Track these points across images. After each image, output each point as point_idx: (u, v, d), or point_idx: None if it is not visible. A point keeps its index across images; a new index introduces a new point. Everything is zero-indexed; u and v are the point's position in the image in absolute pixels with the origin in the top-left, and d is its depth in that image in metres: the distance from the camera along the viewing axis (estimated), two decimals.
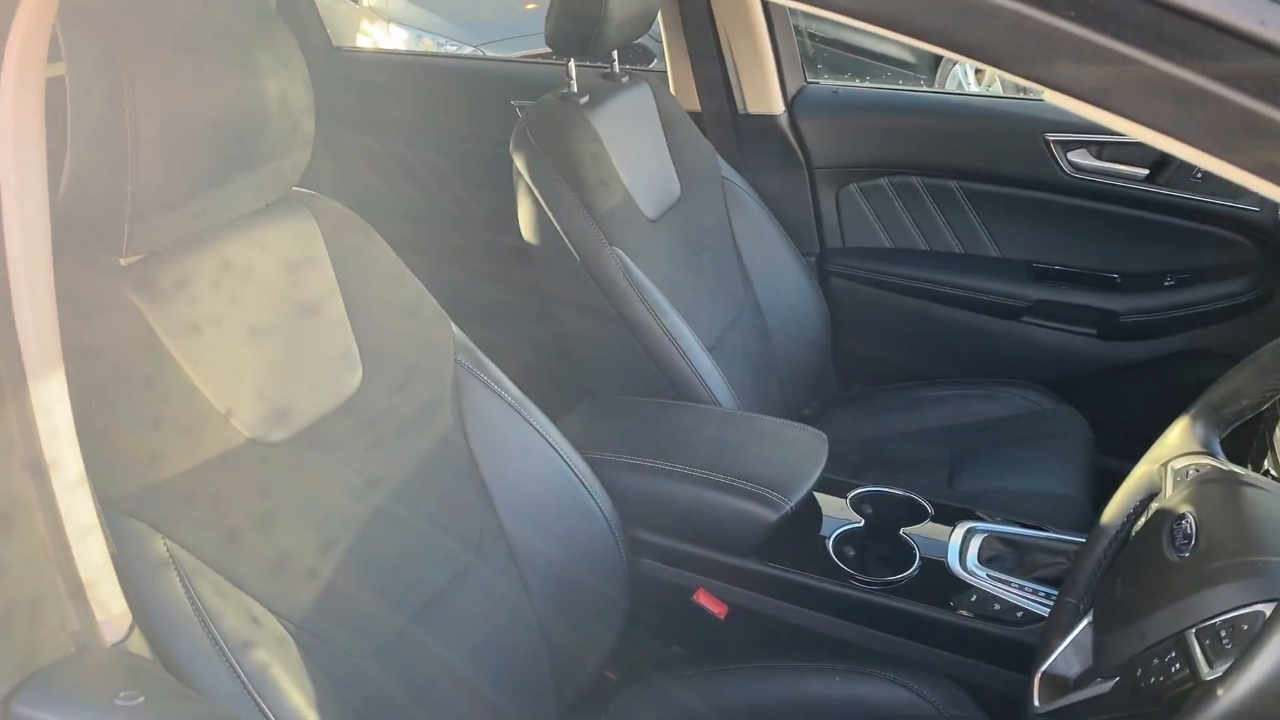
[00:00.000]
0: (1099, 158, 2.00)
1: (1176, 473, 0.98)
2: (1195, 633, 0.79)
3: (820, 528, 1.47)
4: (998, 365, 2.10)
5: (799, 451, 1.49)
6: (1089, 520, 1.67)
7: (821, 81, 2.26)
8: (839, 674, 1.33)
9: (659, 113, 1.87)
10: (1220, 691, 0.69)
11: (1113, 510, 1.06)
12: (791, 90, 2.17)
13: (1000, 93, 3.47)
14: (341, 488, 1.12)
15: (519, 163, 1.66)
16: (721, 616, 1.43)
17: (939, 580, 1.37)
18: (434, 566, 1.21)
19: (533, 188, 1.64)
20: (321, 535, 1.08)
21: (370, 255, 1.24)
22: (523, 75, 2.48)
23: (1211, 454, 0.99)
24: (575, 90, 1.73)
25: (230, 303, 1.05)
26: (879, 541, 1.44)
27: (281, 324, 1.09)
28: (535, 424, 1.33)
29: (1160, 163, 1.95)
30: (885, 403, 2.08)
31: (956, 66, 6.09)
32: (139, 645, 0.88)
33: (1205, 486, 0.91)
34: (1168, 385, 2.06)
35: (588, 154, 1.66)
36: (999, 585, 1.35)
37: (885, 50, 6.40)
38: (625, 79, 1.85)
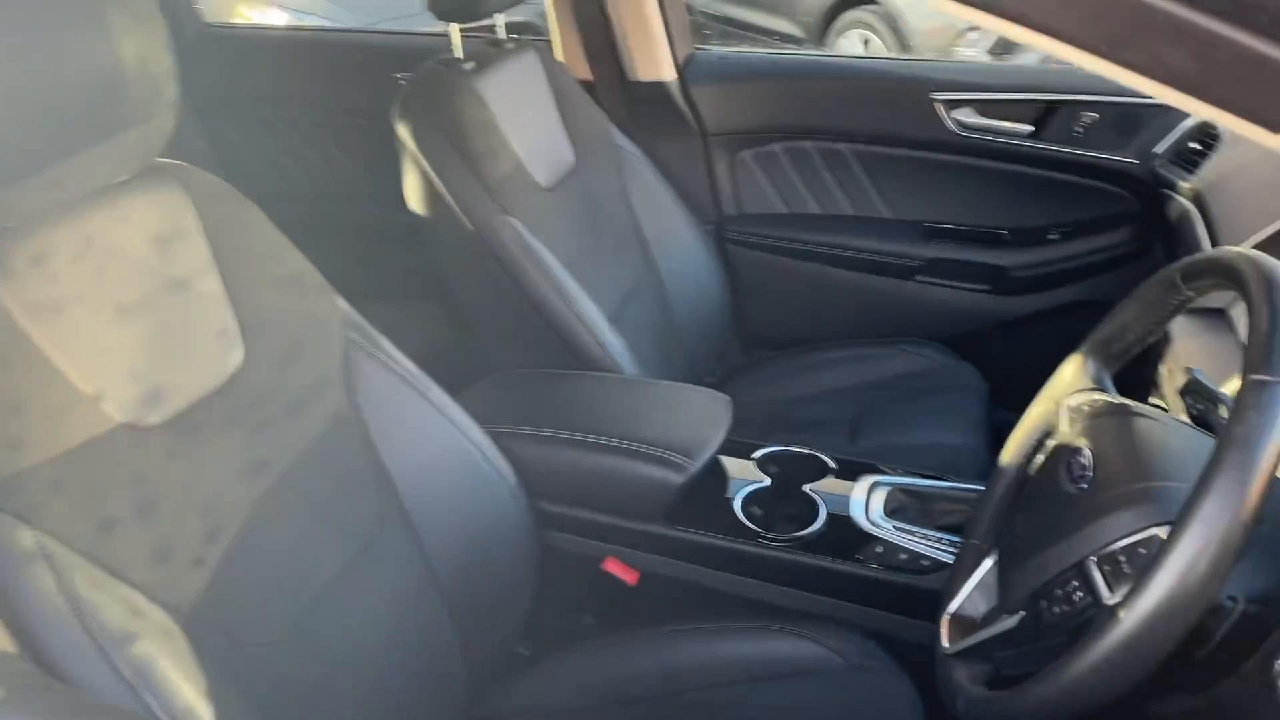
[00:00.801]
0: (984, 115, 2.04)
1: (1071, 410, 0.99)
2: (1095, 561, 0.80)
3: (727, 489, 1.46)
4: (894, 324, 2.12)
5: (702, 415, 1.48)
6: (988, 470, 1.71)
7: (709, 47, 2.24)
8: (750, 632, 1.33)
9: (548, 80, 1.83)
10: (1121, 614, 0.70)
11: (1010, 451, 1.08)
12: (681, 57, 2.15)
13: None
14: (227, 472, 1.07)
15: (403, 133, 1.60)
16: (632, 583, 1.41)
17: (846, 534, 1.38)
18: (331, 550, 1.16)
19: (420, 158, 1.59)
20: (207, 521, 1.03)
21: (246, 227, 1.18)
22: (404, 47, 2.41)
23: (1103, 389, 1.01)
24: (460, 56, 1.69)
25: (94, 280, 0.99)
26: (785, 500, 1.44)
27: (152, 301, 1.03)
28: (433, 399, 1.29)
29: (1043, 119, 1.99)
30: (786, 366, 2.09)
31: (842, 39, 6.18)
32: (1, 641, 0.82)
33: (1099, 420, 0.92)
34: (1056, 336, 2.10)
35: (476, 121, 1.62)
36: (904, 536, 1.36)
37: (771, 25, 6.45)
38: (511, 45, 1.81)
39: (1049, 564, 0.84)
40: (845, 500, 1.43)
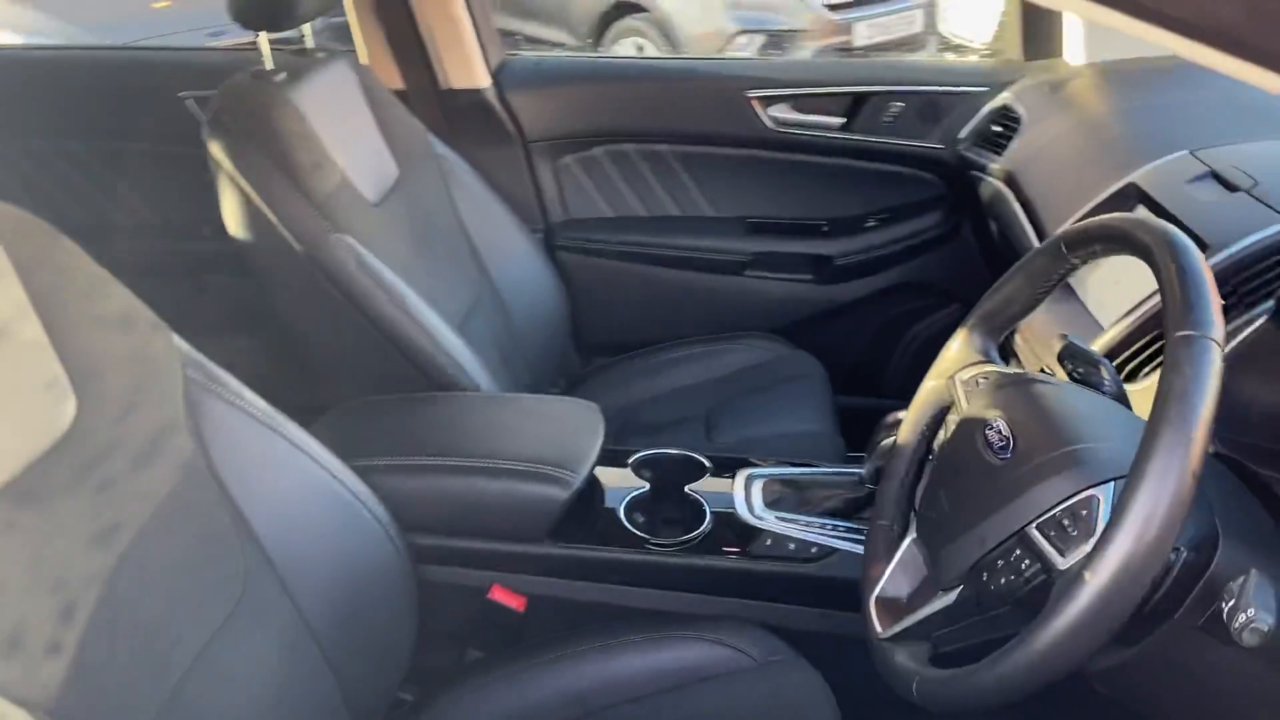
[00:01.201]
0: (799, 110, 2.09)
1: (965, 384, 1.02)
2: (1036, 528, 0.81)
3: (605, 499, 1.42)
4: (730, 319, 2.14)
5: (575, 425, 1.43)
6: (842, 453, 1.75)
7: (522, 53, 2.20)
8: (650, 643, 1.29)
9: (363, 91, 1.73)
10: (1087, 575, 0.72)
11: (907, 430, 1.09)
12: (494, 63, 2.09)
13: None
14: (74, 540, 0.93)
15: (218, 152, 1.47)
16: (520, 610, 1.35)
17: (732, 531, 1.36)
18: (199, 615, 1.04)
19: (238, 178, 1.46)
20: (59, 600, 0.89)
21: (62, 264, 1.03)
22: (190, 64, 2.23)
23: (992, 362, 1.03)
24: (271, 67, 1.56)
25: None
26: (667, 503, 1.42)
27: None
28: (289, 436, 1.18)
29: (854, 110, 2.06)
30: (630, 370, 2.07)
31: (616, 47, 6.25)
32: None
33: (1003, 391, 0.94)
34: (882, 320, 2.20)
35: (296, 135, 1.50)
36: (789, 525, 1.36)
37: (544, 35, 6.46)
38: (321, 55, 1.70)
39: (986, 537, 0.85)
40: (726, 497, 1.42)
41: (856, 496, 1.38)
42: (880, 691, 1.32)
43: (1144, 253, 0.84)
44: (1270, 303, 1.03)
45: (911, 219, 2.11)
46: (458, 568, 1.34)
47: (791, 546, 1.33)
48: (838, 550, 1.33)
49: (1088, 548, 0.76)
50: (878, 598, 0.99)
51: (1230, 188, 1.20)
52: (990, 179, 1.84)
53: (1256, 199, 1.16)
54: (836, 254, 2.12)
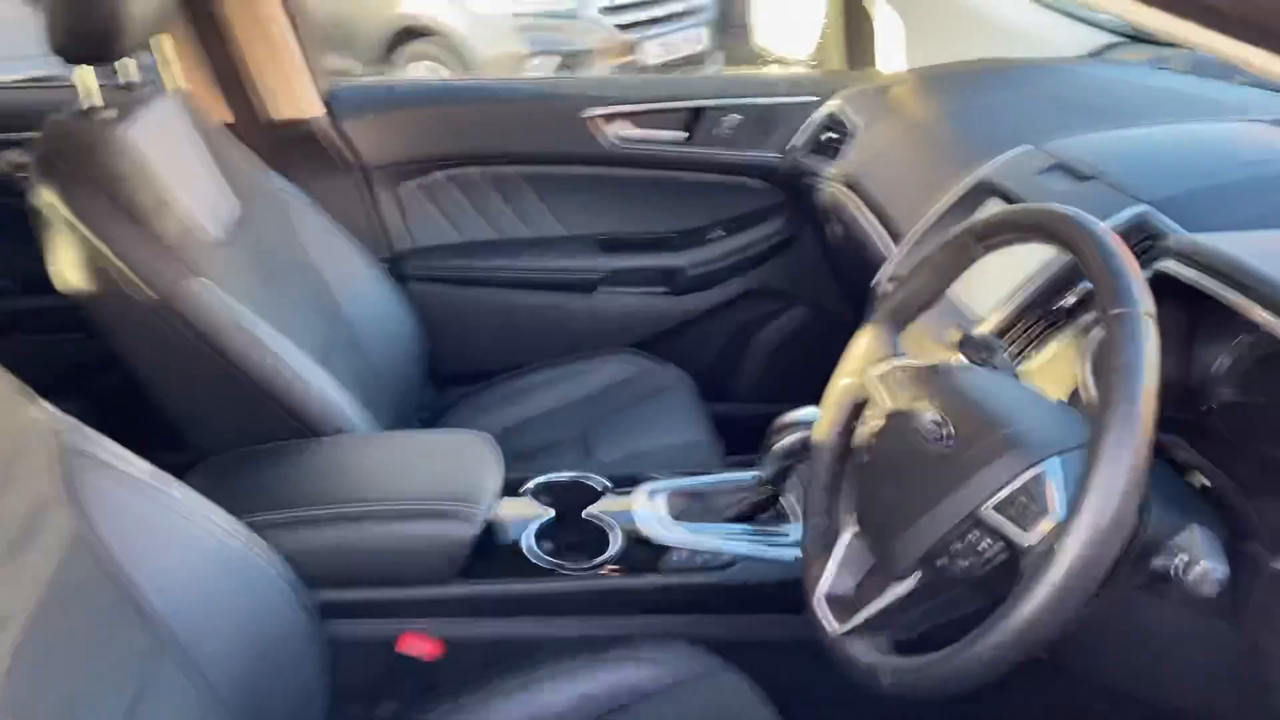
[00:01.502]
0: (639, 126, 2.11)
1: (883, 378, 1.05)
2: (992, 508, 0.85)
3: (509, 531, 1.38)
4: (588, 338, 2.14)
5: (471, 457, 1.39)
6: (723, 458, 1.78)
7: (351, 78, 2.12)
8: (572, 672, 1.26)
9: (194, 125, 1.62)
10: (1057, 548, 0.75)
11: (825, 428, 1.12)
12: (323, 90, 2.01)
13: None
14: None
15: (49, 199, 1.34)
16: (434, 656, 1.29)
17: (643, 548, 1.36)
18: (103, 706, 0.94)
19: (76, 225, 1.33)
20: None
21: None
22: None
23: (899, 355, 1.07)
24: (98, 104, 1.44)
25: None
26: (572, 528, 1.40)
27: None
28: (177, 499, 1.09)
29: (693, 124, 2.10)
30: (492, 399, 2.03)
31: (408, 72, 6.14)
32: None
33: (928, 382, 0.98)
34: (734, 326, 2.25)
35: (135, 175, 1.39)
36: (699, 536, 1.37)
37: (326, 63, 6.25)
38: (147, 89, 1.58)
39: (938, 523, 0.88)
40: (630, 515, 1.41)
41: (760, 499, 1.40)
42: (813, 691, 1.35)
43: (1060, 239, 0.90)
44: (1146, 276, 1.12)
45: (755, 227, 2.18)
46: (367, 619, 1.28)
47: (704, 557, 1.34)
48: (752, 555, 1.34)
49: (1049, 522, 0.80)
50: (825, 595, 1.01)
51: (1081, 177, 1.30)
52: (829, 184, 1.92)
53: (1109, 185, 1.26)
54: (688, 265, 2.16)
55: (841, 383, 1.11)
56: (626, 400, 1.94)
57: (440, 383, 2.18)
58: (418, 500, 1.27)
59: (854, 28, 2.10)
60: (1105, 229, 0.86)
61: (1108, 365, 0.78)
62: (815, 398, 2.26)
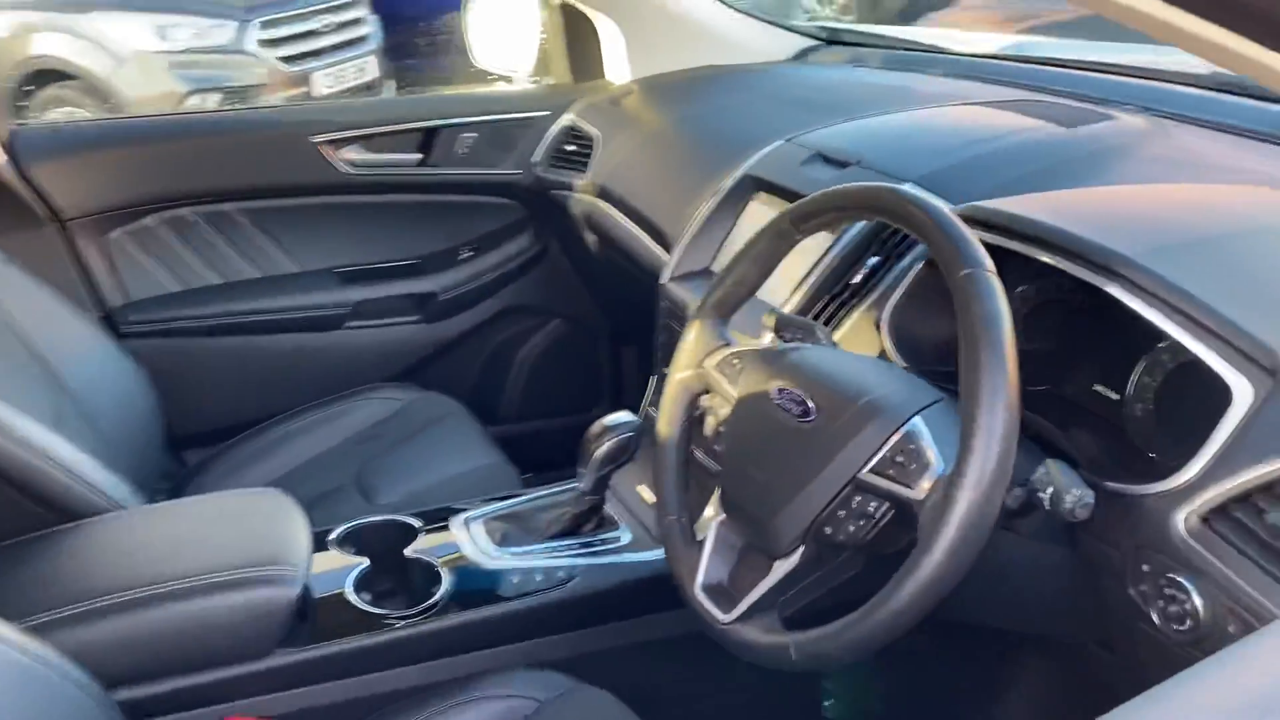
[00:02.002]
0: (372, 151, 2.02)
1: (720, 367, 1.07)
2: (870, 472, 0.88)
3: (326, 588, 1.27)
4: (342, 376, 2.02)
5: (269, 515, 1.26)
6: (519, 478, 1.74)
7: (32, 120, 1.88)
8: None
9: None
10: (956, 493, 0.80)
11: (665, 424, 1.12)
12: (4, 134, 1.77)
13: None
14: None
15: None
16: None
17: (476, 580, 1.30)
18: None
19: None
20: None
21: None
22: None
23: (730, 344, 1.10)
24: None
25: None
26: (393, 573, 1.31)
27: None
28: None
29: (428, 145, 2.04)
30: (245, 455, 1.86)
31: (49, 116, 5.53)
32: None
33: (773, 364, 1.01)
34: (493, 347, 2.21)
35: None
36: (529, 558, 1.33)
37: None
38: None
39: (818, 495, 0.90)
40: (452, 548, 1.34)
41: (581, 510, 1.39)
42: (676, 690, 1.35)
43: (888, 213, 0.95)
44: (920, 248, 1.22)
45: (503, 245, 2.15)
46: (182, 713, 1.13)
47: (540, 578, 1.30)
48: (587, 566, 1.32)
49: (931, 475, 0.85)
50: (702, 588, 1.01)
51: (842, 164, 1.39)
52: (580, 195, 1.93)
53: (870, 169, 1.35)
54: (439, 290, 2.10)
55: (677, 378, 1.12)
56: (399, 435, 1.85)
57: (179, 446, 1.97)
58: (225, 570, 1.13)
59: (576, 42, 2.13)
60: (930, 198, 0.92)
61: (968, 321, 0.83)
62: (584, 406, 2.29)
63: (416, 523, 1.39)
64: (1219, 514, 0.86)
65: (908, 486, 0.86)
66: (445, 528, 1.39)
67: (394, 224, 2.07)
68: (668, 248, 1.61)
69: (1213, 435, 0.88)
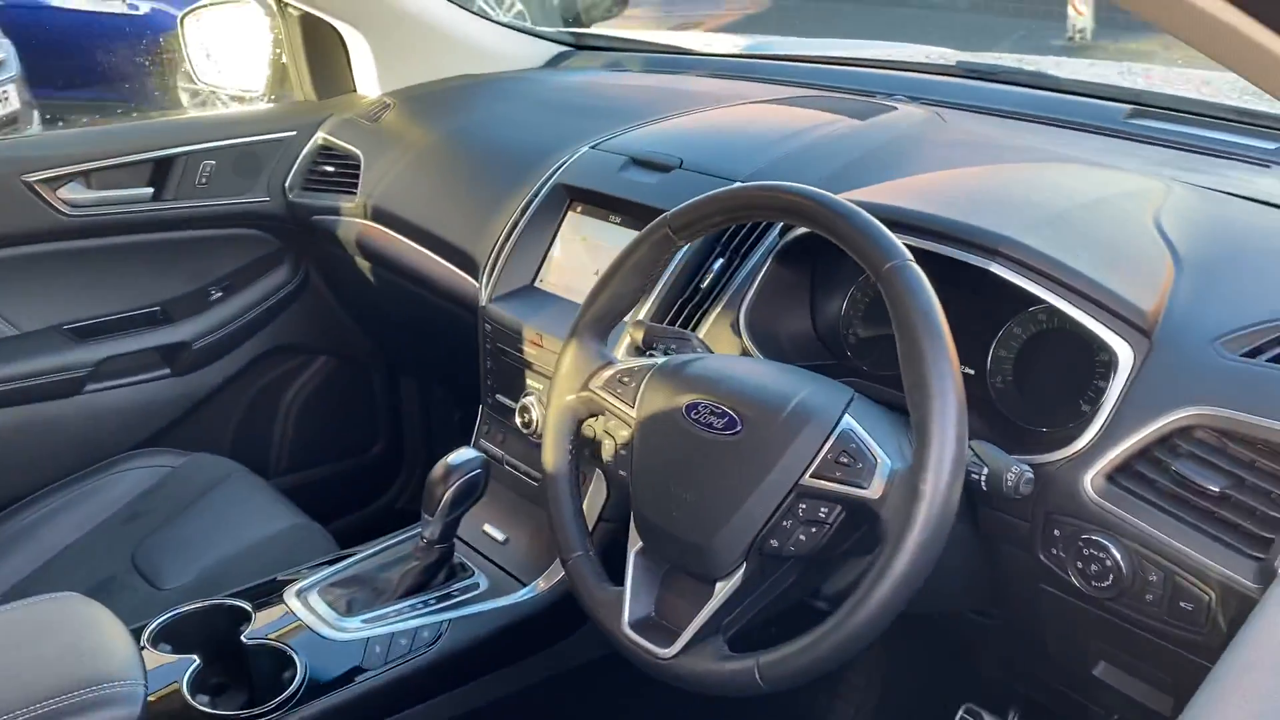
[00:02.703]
0: (93, 187, 1.77)
1: (608, 386, 1.00)
2: (813, 477, 0.85)
3: (150, 689, 1.08)
4: (88, 448, 1.75)
5: (78, 623, 1.05)
6: (339, 532, 1.58)
7: None
8: None
9: None
10: (922, 485, 0.78)
11: (553, 455, 1.04)
12: None
13: None
14: None
15: None
16: None
17: (333, 658, 1.15)
18: None
19: None
20: None
21: None
22: None
23: (613, 361, 1.04)
24: None
25: None
26: (230, 664, 1.14)
27: None
28: None
29: (161, 178, 1.81)
30: None
31: None
32: None
33: (677, 377, 0.96)
34: (257, 394, 1.99)
35: None
36: (386, 623, 1.20)
37: None
38: None
39: (759, 508, 0.86)
40: (292, 622, 1.19)
41: (430, 562, 1.27)
42: None
43: (792, 214, 0.93)
44: (765, 246, 1.21)
45: (257, 281, 1.95)
46: None
47: (405, 642, 1.18)
48: (453, 620, 1.21)
49: (883, 472, 0.83)
50: (631, 625, 0.94)
51: (664, 167, 1.36)
52: (349, 219, 1.78)
53: (695, 170, 1.33)
54: (190, 338, 1.86)
55: (562, 404, 1.04)
56: (173, 506, 1.63)
57: None
58: (55, 697, 0.93)
59: (319, 55, 1.96)
60: (832, 196, 0.91)
61: (902, 313, 0.83)
62: (363, 447, 2.12)
63: (243, 604, 1.22)
64: (1123, 472, 0.91)
65: (860, 486, 0.84)
66: (277, 603, 1.23)
67: (129, 269, 1.82)
68: (469, 267, 1.52)
69: (1103, 398, 0.93)
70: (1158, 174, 1.22)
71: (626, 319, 1.21)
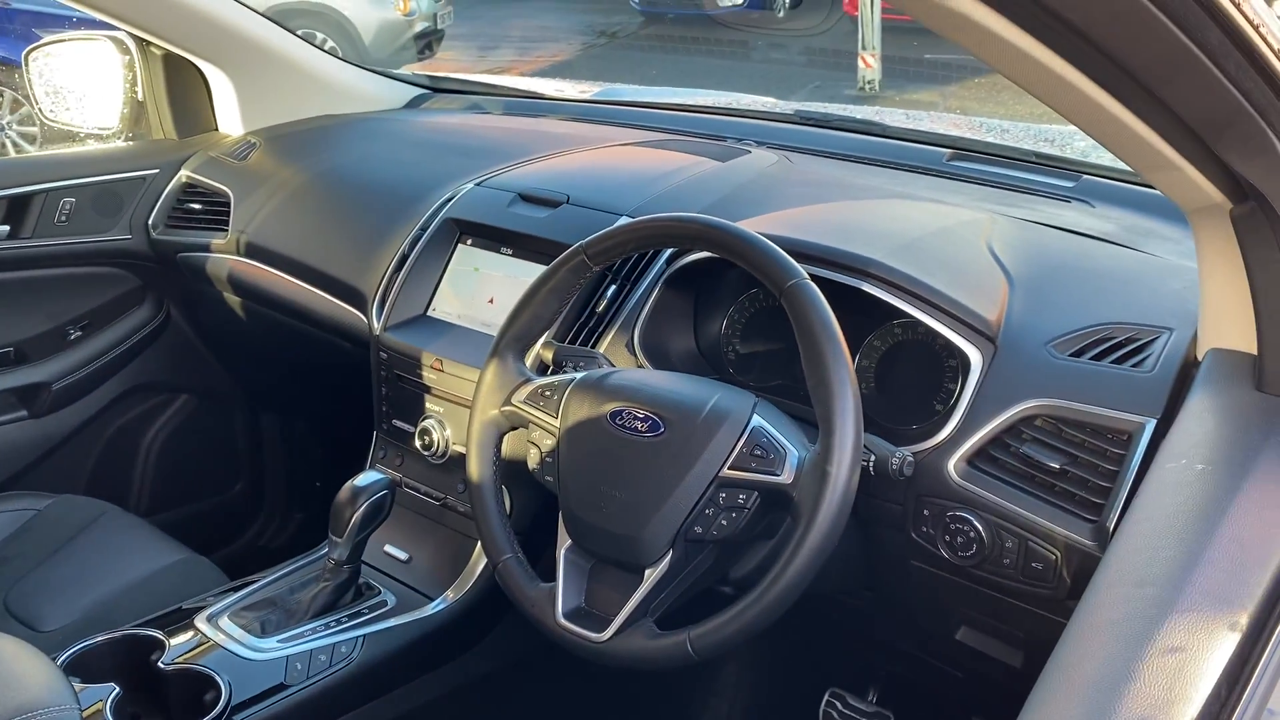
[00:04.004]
0: None
1: (531, 400, 1.09)
2: (731, 469, 0.97)
3: None
4: None
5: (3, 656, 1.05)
6: (226, 561, 1.58)
7: None
8: None
9: None
10: (830, 468, 0.91)
11: (478, 466, 1.11)
12: None
13: None
14: None
15: None
16: None
17: (255, 677, 1.18)
18: None
19: None
20: None
21: None
22: None
23: (532, 379, 1.13)
24: None
25: None
26: (148, 695, 1.15)
27: None
28: None
29: (18, 215, 1.77)
30: None
31: None
32: None
33: (599, 389, 1.06)
34: (115, 435, 1.95)
35: None
36: (302, 641, 1.24)
37: None
38: None
39: (684, 499, 0.97)
40: (207, 644, 1.21)
41: (340, 581, 1.31)
42: None
43: (701, 242, 1.05)
44: (653, 273, 1.33)
45: (118, 320, 1.92)
46: None
47: (324, 658, 1.22)
48: (368, 636, 1.26)
49: (792, 461, 0.96)
50: (565, 615, 1.03)
51: (552, 203, 1.46)
52: (220, 255, 1.80)
53: (583, 205, 1.44)
54: (48, 379, 1.82)
55: (485, 419, 1.12)
56: (44, 549, 1.59)
57: None
58: None
59: (180, 94, 1.95)
60: (730, 224, 1.04)
61: (806, 324, 0.96)
62: (225, 485, 2.11)
63: (153, 632, 1.23)
64: (979, 456, 1.07)
65: (774, 474, 0.96)
66: (189, 629, 1.24)
67: None
68: (355, 300, 1.57)
69: (960, 396, 1.09)
70: (981, 208, 1.42)
71: (545, 339, 1.31)
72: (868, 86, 7.83)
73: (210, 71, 1.95)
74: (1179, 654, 0.63)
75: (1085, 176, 1.52)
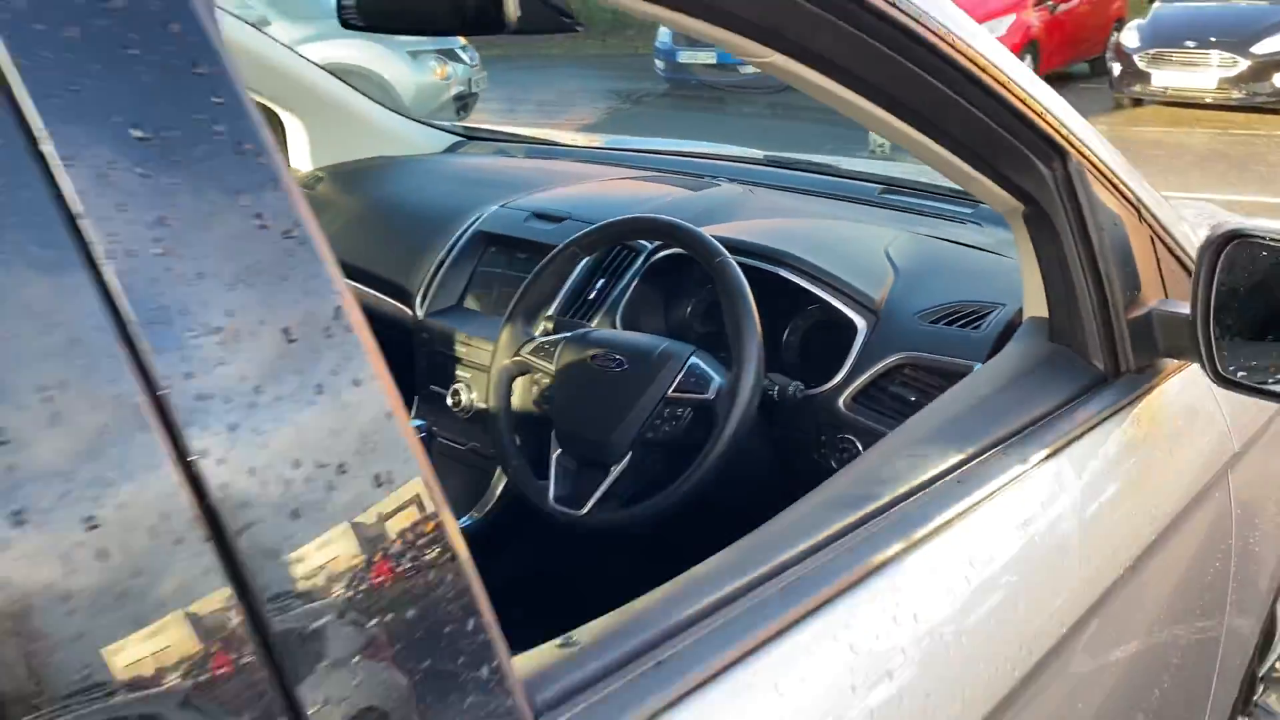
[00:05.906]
0: None
1: (534, 352, 1.50)
2: (674, 391, 1.37)
3: None
4: None
5: None
6: None
7: None
8: None
9: None
10: (738, 388, 1.30)
11: (495, 399, 1.52)
12: None
13: None
14: None
15: None
16: None
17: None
18: None
19: None
20: None
21: None
22: None
23: (534, 337, 1.54)
24: None
25: None
26: None
27: None
28: None
29: None
30: None
31: None
32: None
33: (582, 341, 1.46)
34: None
35: None
36: None
37: None
38: None
39: (640, 413, 1.36)
40: None
41: None
42: None
43: (657, 234, 1.46)
44: (633, 270, 1.73)
45: None
46: None
47: None
48: None
49: (716, 385, 1.36)
50: (555, 499, 1.42)
51: (557, 219, 1.87)
52: None
53: (579, 220, 1.85)
54: None
55: (501, 365, 1.53)
56: None
57: None
58: None
59: None
60: (670, 219, 1.45)
61: (728, 288, 1.36)
62: None
63: None
64: (863, 394, 1.46)
65: (703, 394, 1.36)
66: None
67: None
68: (401, 295, 1.99)
69: (850, 353, 1.49)
70: (894, 226, 1.82)
71: (549, 314, 1.71)
72: (878, 149, 8.32)
73: (286, 117, 2.39)
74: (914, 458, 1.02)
75: (982, 205, 1.92)
